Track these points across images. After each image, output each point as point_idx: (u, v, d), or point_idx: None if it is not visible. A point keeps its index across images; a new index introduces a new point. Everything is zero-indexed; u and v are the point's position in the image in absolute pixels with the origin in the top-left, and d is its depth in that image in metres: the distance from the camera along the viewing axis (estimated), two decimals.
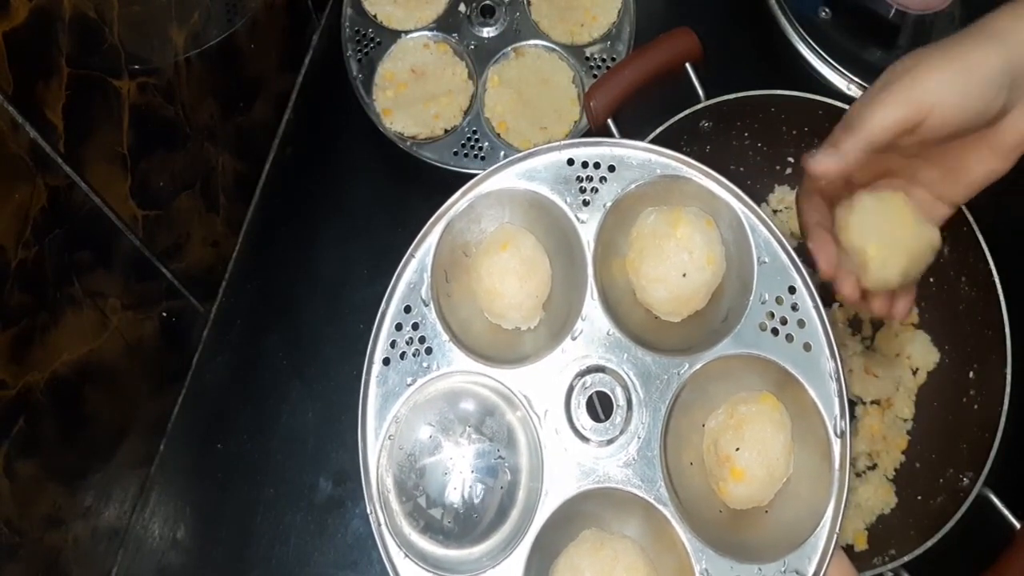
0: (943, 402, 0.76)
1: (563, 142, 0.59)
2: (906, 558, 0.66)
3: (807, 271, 0.56)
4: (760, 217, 0.57)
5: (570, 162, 0.59)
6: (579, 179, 0.59)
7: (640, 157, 0.59)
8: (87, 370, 0.67)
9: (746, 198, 0.57)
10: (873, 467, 0.76)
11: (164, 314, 0.77)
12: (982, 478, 0.65)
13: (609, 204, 0.58)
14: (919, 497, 0.73)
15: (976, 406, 0.71)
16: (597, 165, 0.59)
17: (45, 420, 0.63)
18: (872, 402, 0.77)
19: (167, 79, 0.70)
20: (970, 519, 0.65)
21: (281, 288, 0.86)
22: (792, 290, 0.56)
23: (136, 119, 0.66)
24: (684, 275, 0.57)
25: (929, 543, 0.65)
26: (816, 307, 0.56)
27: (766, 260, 0.56)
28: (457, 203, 0.59)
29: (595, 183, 0.58)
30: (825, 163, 0.54)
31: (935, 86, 0.53)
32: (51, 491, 0.66)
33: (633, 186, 0.58)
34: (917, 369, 0.78)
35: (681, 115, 0.74)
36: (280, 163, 0.90)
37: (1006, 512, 0.65)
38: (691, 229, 0.57)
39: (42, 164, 0.58)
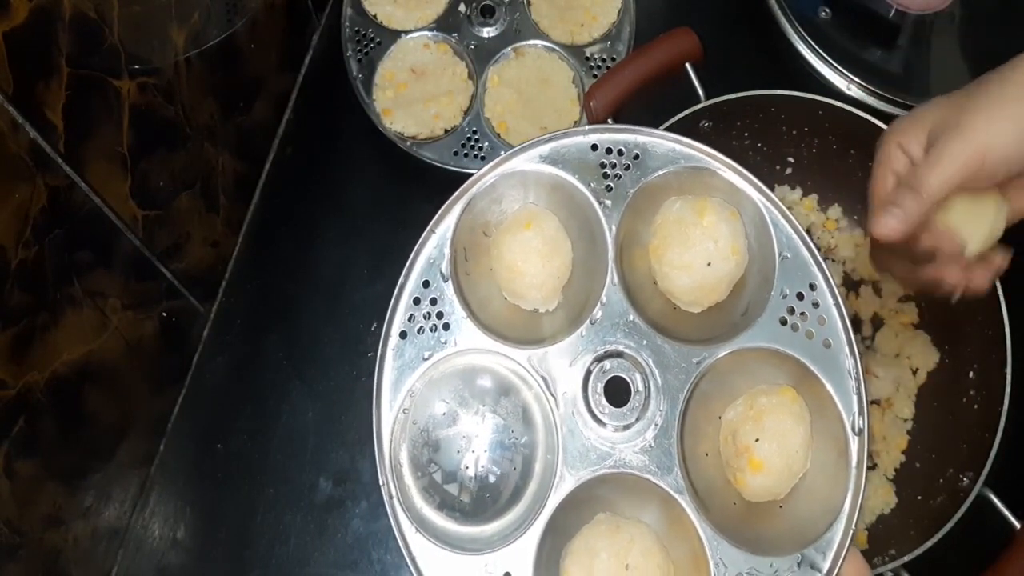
0: (943, 402, 0.76)
1: (588, 127, 0.59)
2: (906, 558, 0.66)
3: (828, 268, 0.56)
4: (783, 212, 0.57)
5: (594, 147, 0.59)
6: (603, 165, 0.59)
7: (665, 146, 0.59)
8: (87, 370, 0.67)
9: (769, 193, 0.57)
10: (873, 467, 0.76)
11: (164, 314, 0.77)
12: (982, 478, 0.65)
13: (633, 192, 0.58)
14: (919, 497, 0.73)
15: (976, 406, 0.71)
16: (621, 152, 0.59)
17: (45, 420, 0.63)
18: (872, 402, 0.77)
19: (167, 79, 0.70)
20: (970, 519, 0.65)
21: (281, 288, 0.86)
22: (813, 287, 0.56)
23: (136, 119, 0.66)
24: (709, 264, 0.57)
25: (929, 543, 0.65)
26: (836, 304, 0.55)
27: (787, 255, 0.56)
28: (480, 180, 0.59)
29: (619, 170, 0.58)
30: (891, 224, 0.55)
31: (986, 129, 0.54)
32: (51, 491, 0.66)
33: (657, 175, 0.58)
34: (917, 369, 0.78)
35: (681, 115, 0.74)
36: (280, 163, 0.90)
37: (1006, 512, 0.65)
38: (717, 218, 0.57)
39: (42, 164, 0.58)
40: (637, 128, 0.60)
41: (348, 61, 0.88)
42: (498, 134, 0.86)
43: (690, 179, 0.59)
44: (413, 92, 0.87)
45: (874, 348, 0.79)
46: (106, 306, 0.68)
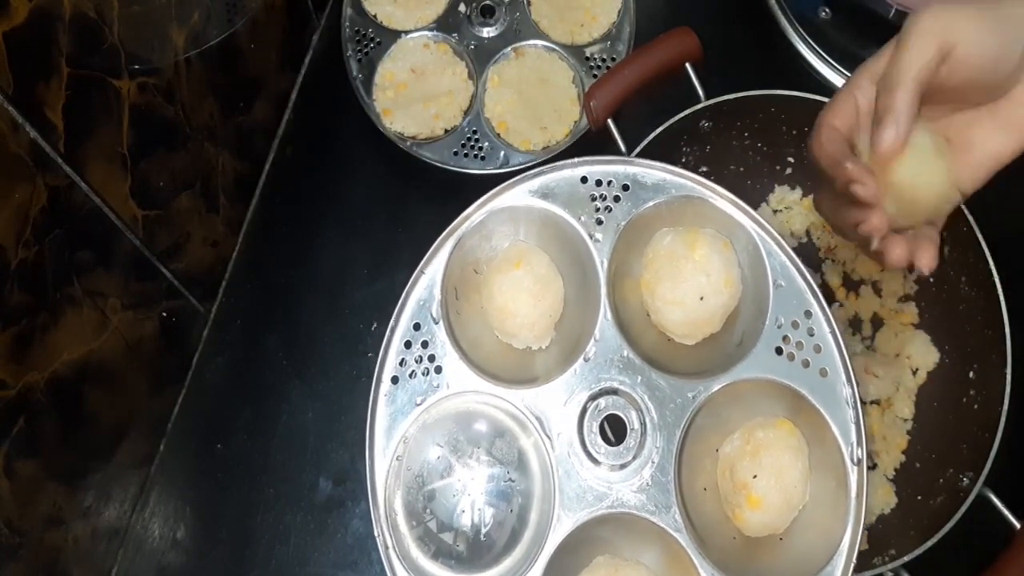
0: (943, 402, 0.75)
1: (577, 159, 0.59)
2: (906, 558, 0.65)
3: (823, 297, 0.56)
4: (776, 240, 0.56)
5: (584, 180, 0.58)
6: (593, 198, 0.58)
7: (655, 177, 0.58)
8: (87, 370, 0.67)
9: (762, 221, 0.57)
10: (873, 467, 0.76)
11: (164, 314, 0.77)
12: (982, 478, 0.65)
13: (623, 224, 0.57)
14: (919, 497, 0.73)
15: (976, 406, 0.71)
16: (611, 183, 0.58)
17: (45, 420, 0.63)
18: (872, 402, 0.77)
19: (167, 79, 0.70)
20: (970, 519, 0.65)
21: (281, 288, 0.86)
22: (808, 315, 0.55)
23: (136, 119, 0.66)
24: (701, 298, 0.56)
25: (929, 543, 0.65)
26: (832, 332, 0.55)
27: (782, 284, 0.56)
28: (469, 219, 0.58)
29: (609, 202, 0.58)
30: (889, 137, 0.52)
31: (960, 22, 0.52)
32: (51, 491, 0.66)
33: (647, 206, 0.58)
34: (917, 369, 0.78)
35: (681, 115, 0.74)
36: (280, 163, 0.90)
37: (1006, 512, 0.65)
38: (709, 251, 0.56)
39: (42, 164, 0.58)
40: (627, 158, 0.59)
41: (348, 61, 0.88)
42: (498, 134, 0.86)
43: (681, 209, 0.58)
44: (413, 92, 0.87)
45: (874, 348, 0.79)
46: (106, 306, 0.68)
